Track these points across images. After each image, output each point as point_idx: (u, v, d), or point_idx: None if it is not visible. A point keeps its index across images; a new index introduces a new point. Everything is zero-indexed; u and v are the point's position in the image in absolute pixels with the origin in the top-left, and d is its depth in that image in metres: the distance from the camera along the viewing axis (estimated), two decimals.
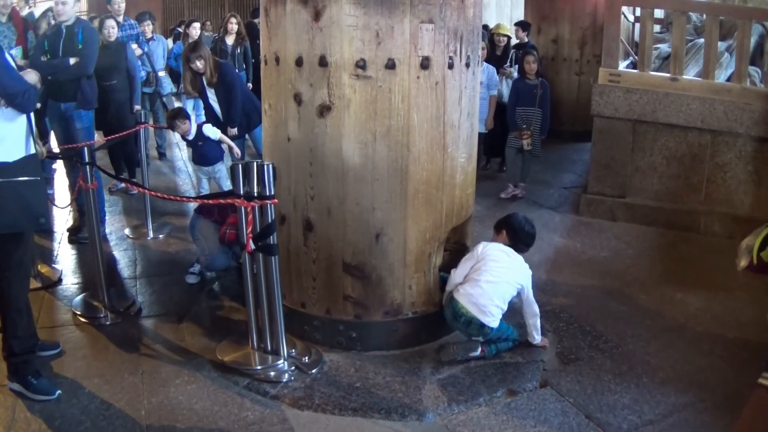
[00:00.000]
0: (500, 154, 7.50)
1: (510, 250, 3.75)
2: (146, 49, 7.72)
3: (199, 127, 5.61)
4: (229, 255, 4.46)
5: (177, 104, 7.83)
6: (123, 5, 7.25)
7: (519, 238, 3.82)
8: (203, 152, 5.71)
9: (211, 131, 5.59)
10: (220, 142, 5.67)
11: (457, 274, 3.70)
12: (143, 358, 3.67)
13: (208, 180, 5.92)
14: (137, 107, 6.59)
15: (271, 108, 3.68)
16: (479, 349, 3.61)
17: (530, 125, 6.54)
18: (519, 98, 6.61)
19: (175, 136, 9.17)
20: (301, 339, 3.74)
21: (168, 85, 8.13)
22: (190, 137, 5.63)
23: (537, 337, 3.75)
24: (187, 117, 5.59)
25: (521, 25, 8.51)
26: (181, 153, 8.65)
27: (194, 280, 4.66)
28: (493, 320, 3.59)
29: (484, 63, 6.79)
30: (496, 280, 3.59)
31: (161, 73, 8.00)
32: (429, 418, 3.16)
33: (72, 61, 5.27)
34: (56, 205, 5.16)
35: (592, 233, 5.71)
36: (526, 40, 8.33)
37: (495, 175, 7.49)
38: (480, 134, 6.79)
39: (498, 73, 7.38)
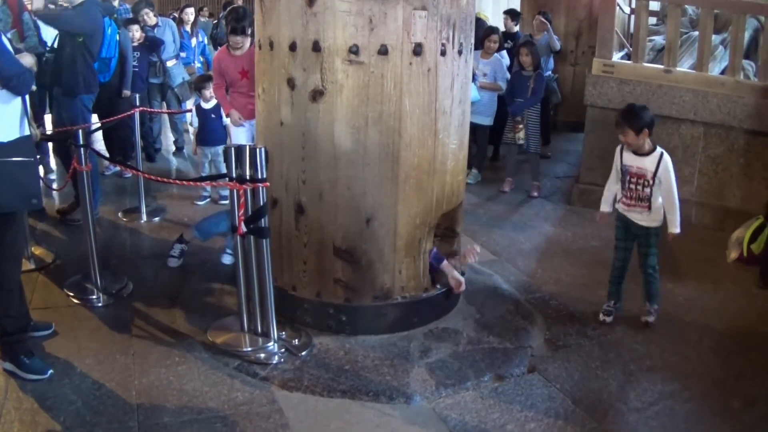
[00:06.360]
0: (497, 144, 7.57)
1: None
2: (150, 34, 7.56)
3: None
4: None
5: (192, 97, 7.47)
6: None
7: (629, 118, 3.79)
8: (212, 127, 5.87)
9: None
10: (226, 127, 5.82)
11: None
12: (135, 339, 3.70)
13: (209, 163, 5.97)
14: (126, 92, 6.53)
15: (265, 92, 3.69)
16: None
17: (524, 118, 6.47)
18: (513, 90, 6.58)
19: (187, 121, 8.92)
20: (292, 322, 3.77)
21: (179, 75, 7.63)
22: (208, 105, 5.82)
23: (675, 228, 3.86)
24: None
25: (510, 14, 8.29)
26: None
27: (176, 264, 4.68)
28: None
29: (495, 54, 6.77)
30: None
31: (170, 63, 7.50)
32: (416, 401, 3.20)
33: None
34: (52, 188, 5.15)
35: (584, 223, 5.74)
36: (515, 30, 8.16)
37: (492, 165, 7.52)
38: (486, 127, 6.82)
39: None
